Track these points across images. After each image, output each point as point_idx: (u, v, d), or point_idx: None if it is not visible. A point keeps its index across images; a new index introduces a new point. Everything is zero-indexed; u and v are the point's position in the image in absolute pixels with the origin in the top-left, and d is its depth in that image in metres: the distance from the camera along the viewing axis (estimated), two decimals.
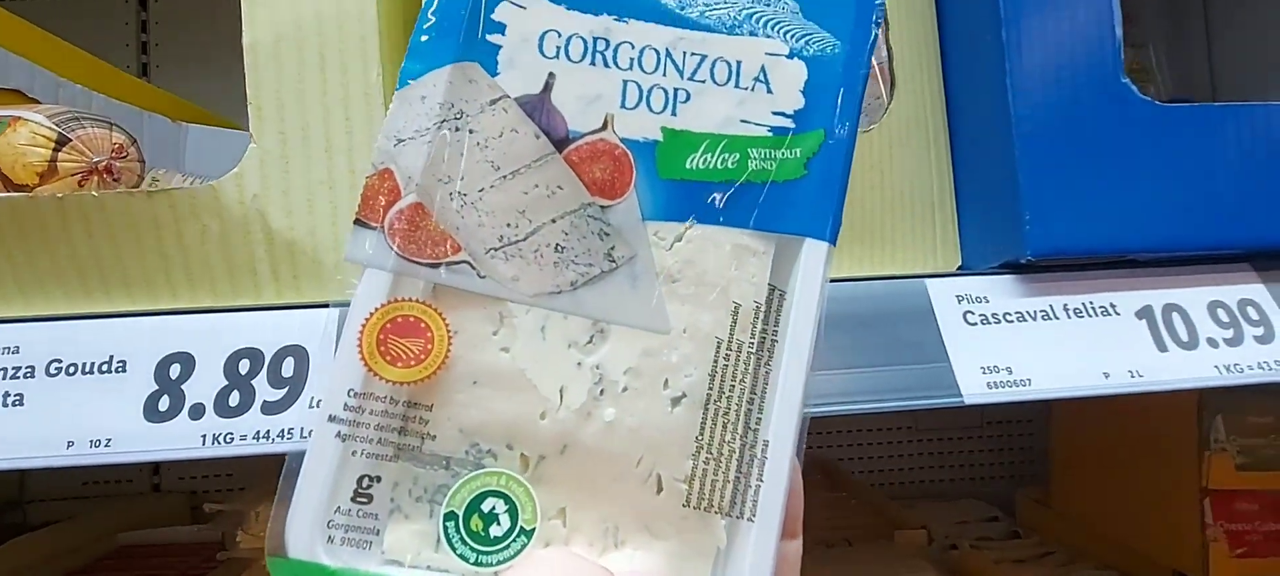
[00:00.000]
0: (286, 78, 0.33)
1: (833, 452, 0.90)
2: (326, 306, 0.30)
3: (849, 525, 0.73)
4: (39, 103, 0.52)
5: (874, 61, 0.42)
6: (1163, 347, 0.30)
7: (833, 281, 0.32)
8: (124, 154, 0.42)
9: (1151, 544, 0.59)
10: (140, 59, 1.20)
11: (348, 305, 0.20)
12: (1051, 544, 0.72)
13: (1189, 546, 0.53)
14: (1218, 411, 0.50)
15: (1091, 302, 0.32)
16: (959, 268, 0.36)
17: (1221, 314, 0.30)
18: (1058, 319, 0.32)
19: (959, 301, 0.32)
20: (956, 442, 0.94)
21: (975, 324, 0.31)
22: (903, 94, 0.36)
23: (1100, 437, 0.66)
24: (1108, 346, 0.31)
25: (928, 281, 0.32)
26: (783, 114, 0.20)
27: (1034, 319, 0.31)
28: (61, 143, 0.39)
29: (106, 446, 0.27)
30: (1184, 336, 0.30)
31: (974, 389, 0.29)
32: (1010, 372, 0.30)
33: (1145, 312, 0.32)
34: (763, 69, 0.21)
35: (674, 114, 0.20)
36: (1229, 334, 0.30)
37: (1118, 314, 0.32)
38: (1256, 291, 0.32)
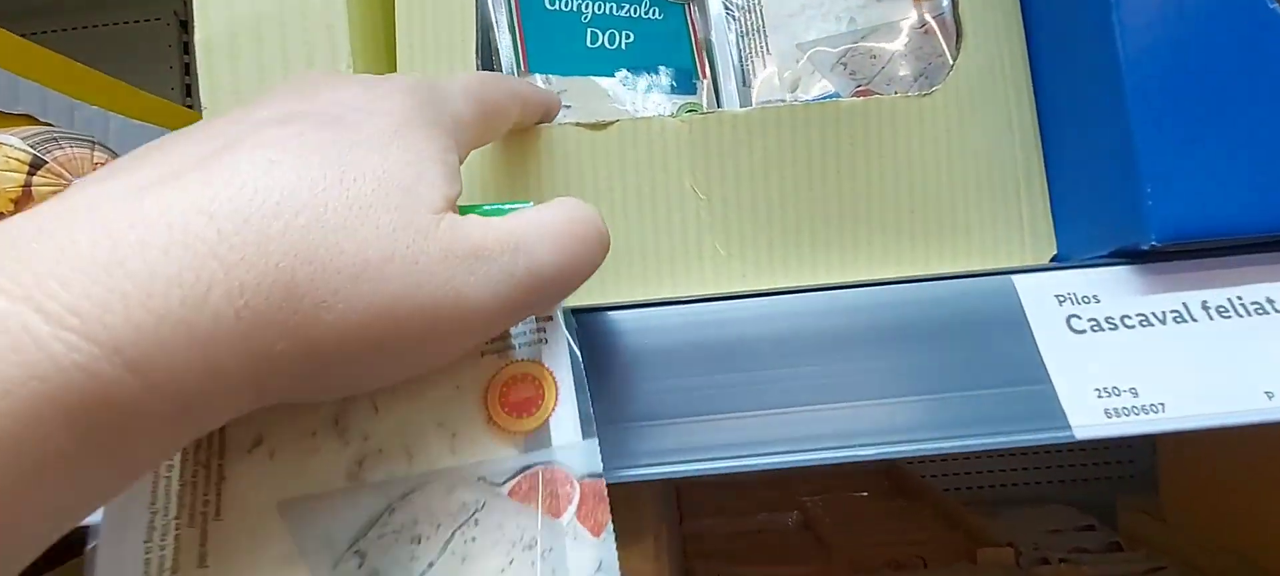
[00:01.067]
0: (244, 76, 0.29)
1: None
2: None
3: (923, 541, 0.65)
4: (37, 121, 0.50)
5: (929, 15, 0.35)
6: None
7: (890, 282, 0.26)
8: None
9: None
10: (184, 80, 1.22)
11: None
12: (1160, 558, 0.63)
13: None
14: None
15: (1239, 298, 0.25)
16: (1054, 259, 0.29)
17: None
18: (1195, 320, 0.24)
19: (1060, 303, 0.25)
20: None
21: (1083, 331, 0.24)
22: (973, 46, 0.29)
23: (1220, 436, 0.56)
24: (1268, 355, 0.24)
25: (1015, 277, 0.25)
26: None
27: (1162, 321, 0.24)
28: (36, 165, 0.36)
29: None
30: None
31: (1087, 418, 0.23)
32: (1135, 395, 0.23)
33: None
34: None
35: None
36: None
37: (1278, 311, 0.24)
38: None
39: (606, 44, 0.36)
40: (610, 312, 0.26)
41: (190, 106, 1.21)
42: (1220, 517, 0.58)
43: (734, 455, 0.23)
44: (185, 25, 1.25)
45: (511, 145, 0.29)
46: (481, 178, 0.29)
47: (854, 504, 0.74)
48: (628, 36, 0.36)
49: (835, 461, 0.23)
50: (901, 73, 0.35)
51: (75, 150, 0.38)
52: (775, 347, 0.25)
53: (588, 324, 0.26)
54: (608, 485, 0.20)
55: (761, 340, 0.25)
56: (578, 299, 0.29)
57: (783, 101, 0.36)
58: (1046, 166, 0.30)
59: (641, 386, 0.25)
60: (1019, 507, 0.78)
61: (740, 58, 0.36)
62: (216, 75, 0.29)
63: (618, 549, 0.19)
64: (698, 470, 0.23)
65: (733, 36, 0.37)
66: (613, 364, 0.25)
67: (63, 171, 0.37)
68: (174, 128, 0.72)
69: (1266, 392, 0.23)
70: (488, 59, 0.34)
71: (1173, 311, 0.24)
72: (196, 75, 0.30)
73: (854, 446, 0.23)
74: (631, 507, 0.60)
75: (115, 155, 0.40)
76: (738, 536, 0.71)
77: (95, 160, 0.38)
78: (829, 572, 0.61)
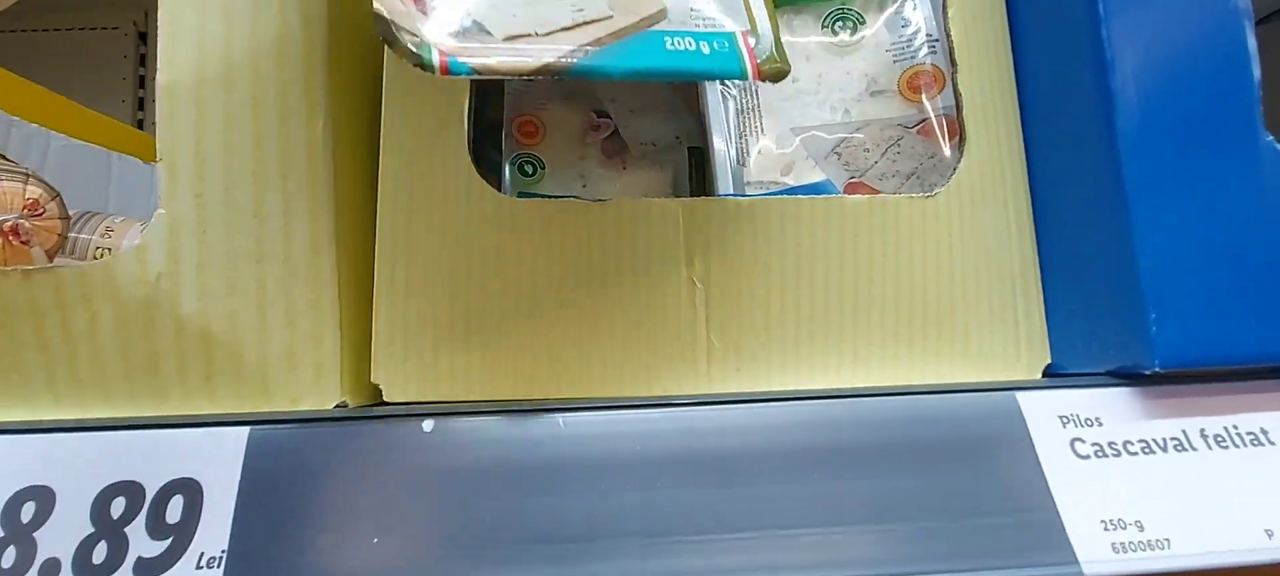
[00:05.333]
0: (209, 126, 0.27)
1: None
2: (239, 424, 0.24)
3: None
4: None
5: (930, 113, 0.35)
6: None
7: (896, 393, 0.25)
8: (39, 211, 0.35)
9: None
10: (137, 93, 1.16)
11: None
12: None
13: None
14: None
15: (1236, 427, 0.24)
16: (1047, 368, 0.29)
17: None
18: (1194, 449, 0.24)
19: (1063, 423, 0.24)
20: None
21: (1087, 456, 0.24)
22: (976, 152, 0.29)
23: None
24: (1265, 491, 0.23)
25: (1020, 395, 0.25)
26: None
27: (1164, 449, 0.24)
28: None
29: None
30: None
31: (1095, 553, 0.22)
32: (1141, 529, 0.22)
33: None
34: None
35: None
36: None
37: (1273, 442, 0.24)
38: None
39: None
40: (590, 413, 0.24)
41: (142, 122, 1.15)
42: None
43: None
44: (144, 37, 1.19)
45: (501, 211, 0.28)
46: (466, 245, 0.27)
47: None
48: None
49: None
50: (895, 170, 0.35)
51: (6, 184, 0.34)
52: (770, 462, 0.23)
53: (571, 424, 0.24)
54: None
55: (755, 453, 0.24)
56: (562, 390, 0.27)
57: (775, 182, 0.36)
58: (1042, 273, 0.29)
59: (623, 498, 0.23)
60: None
61: (738, 135, 0.36)
62: (177, 123, 0.26)
63: None
64: None
65: (730, 112, 0.36)
66: (594, 471, 0.23)
67: None
68: (121, 149, 0.68)
69: (1266, 531, 0.22)
70: (484, 99, 0.32)
71: (1174, 439, 0.24)
72: (149, 90, 0.27)
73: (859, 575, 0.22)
74: None
75: (51, 190, 0.36)
76: None
77: (27, 195, 0.35)
78: None
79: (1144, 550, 0.22)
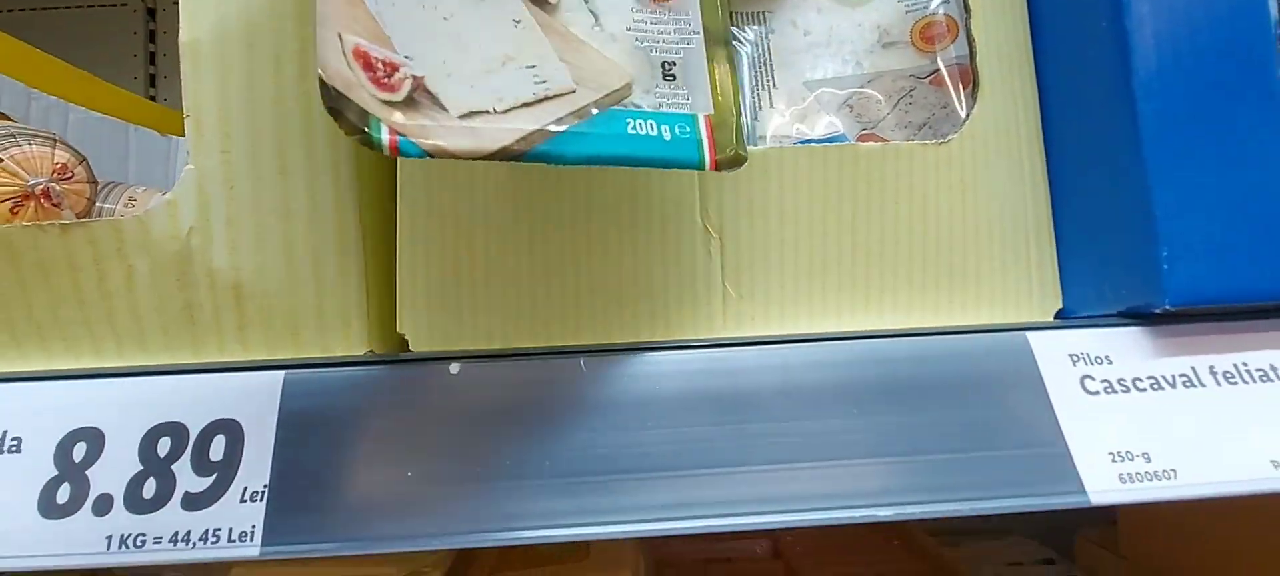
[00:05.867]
0: (233, 83, 0.27)
1: None
2: (273, 368, 0.24)
3: (883, 568, 0.65)
4: (5, 117, 0.47)
5: (942, 64, 0.35)
6: None
7: (908, 334, 0.25)
8: (68, 175, 0.36)
9: None
10: (148, 70, 1.17)
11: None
12: None
13: None
14: None
15: (1245, 364, 0.25)
16: (1059, 313, 0.29)
17: None
18: (1203, 385, 0.24)
19: (1073, 362, 0.25)
20: None
21: (1096, 392, 0.24)
22: (990, 98, 0.29)
23: None
24: (1272, 424, 0.24)
25: (1030, 335, 0.25)
26: None
27: (1172, 385, 0.24)
28: None
29: None
30: None
31: (1102, 483, 0.22)
32: (1147, 460, 0.23)
33: None
34: None
35: None
36: None
37: (1278, 378, 0.25)
38: None
39: None
40: (610, 355, 0.25)
41: (154, 98, 1.16)
42: (1178, 554, 0.60)
43: (730, 513, 0.22)
44: (153, 13, 1.20)
45: (518, 164, 0.28)
46: (485, 197, 0.28)
47: (823, 532, 0.74)
48: None
49: (846, 522, 0.22)
50: (907, 121, 0.35)
51: (35, 148, 0.35)
52: (784, 400, 0.24)
53: (592, 365, 0.25)
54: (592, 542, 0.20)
55: (770, 391, 0.24)
56: (582, 337, 0.28)
57: (788, 137, 0.36)
58: (1054, 221, 0.30)
59: (642, 435, 0.24)
60: (981, 538, 0.78)
61: (750, 90, 0.36)
62: (201, 82, 0.27)
63: None
64: (690, 527, 0.22)
65: (743, 68, 0.36)
66: (614, 410, 0.24)
67: (19, 170, 0.34)
68: (137, 122, 0.69)
69: (1272, 461, 0.23)
70: None
71: (1182, 376, 0.25)
72: (160, 67, 0.28)
73: (867, 506, 0.22)
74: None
75: (77, 154, 0.37)
76: (709, 563, 0.70)
77: (56, 159, 0.36)
78: None
79: (1151, 480, 0.22)
